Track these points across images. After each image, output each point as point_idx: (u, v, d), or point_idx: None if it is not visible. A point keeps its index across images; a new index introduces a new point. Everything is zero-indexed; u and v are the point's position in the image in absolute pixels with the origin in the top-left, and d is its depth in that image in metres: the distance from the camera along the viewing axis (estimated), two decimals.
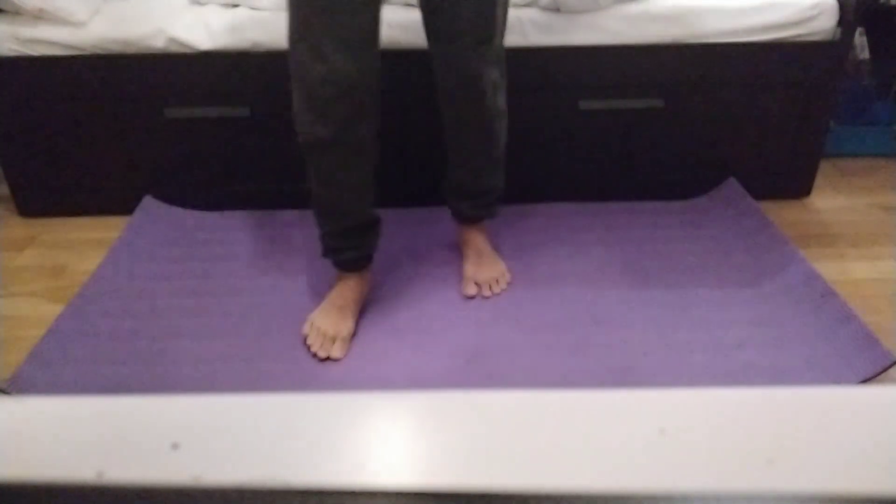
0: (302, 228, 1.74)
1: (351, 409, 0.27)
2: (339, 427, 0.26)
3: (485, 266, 1.51)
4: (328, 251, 1.40)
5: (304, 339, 1.35)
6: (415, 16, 1.67)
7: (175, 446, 0.26)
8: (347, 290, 1.40)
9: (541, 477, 0.24)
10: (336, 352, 1.33)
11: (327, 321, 1.36)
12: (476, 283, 1.48)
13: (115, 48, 1.66)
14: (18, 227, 1.82)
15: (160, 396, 0.28)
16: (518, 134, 1.80)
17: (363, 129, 1.27)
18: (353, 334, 1.38)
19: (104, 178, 1.81)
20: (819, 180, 1.92)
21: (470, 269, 1.51)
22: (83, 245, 1.72)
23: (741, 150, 1.84)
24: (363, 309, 1.44)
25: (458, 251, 1.65)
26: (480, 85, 1.31)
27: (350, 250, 1.39)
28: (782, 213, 1.82)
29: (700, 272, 1.56)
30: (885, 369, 1.19)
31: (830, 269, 1.57)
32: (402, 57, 1.68)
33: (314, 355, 1.32)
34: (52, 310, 1.44)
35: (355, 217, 1.38)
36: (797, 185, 1.91)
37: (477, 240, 1.54)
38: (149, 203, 1.81)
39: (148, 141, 1.77)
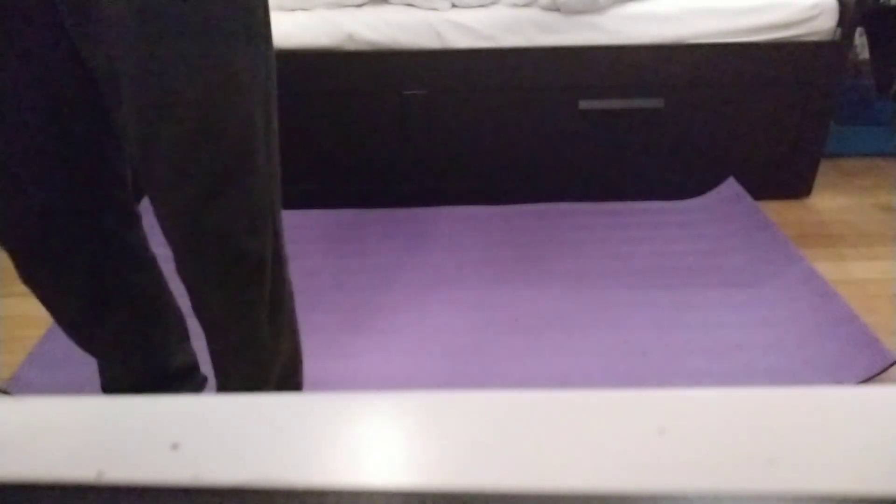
0: (303, 229, 1.74)
1: (351, 409, 0.27)
2: (339, 427, 0.26)
3: None
4: None
5: None
6: (416, 16, 1.67)
7: (175, 446, 0.26)
8: None
9: (540, 477, 0.24)
10: None
11: None
12: None
13: None
14: None
15: (160, 396, 0.28)
16: (518, 134, 1.80)
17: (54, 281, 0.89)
18: None
19: None
20: (819, 180, 1.92)
21: None
22: None
23: (741, 150, 1.84)
24: (364, 310, 1.44)
25: (458, 250, 1.65)
26: (216, 263, 0.82)
27: None
28: (782, 213, 1.82)
29: (700, 272, 1.56)
30: (885, 369, 1.19)
31: (830, 269, 1.57)
32: (402, 57, 1.68)
33: None
34: None
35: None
36: (797, 185, 1.91)
37: None
38: (148, 203, 1.81)
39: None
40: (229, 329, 0.88)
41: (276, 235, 0.87)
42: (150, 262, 0.99)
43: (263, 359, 0.92)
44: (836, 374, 1.23)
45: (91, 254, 0.89)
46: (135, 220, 0.94)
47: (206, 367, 1.19)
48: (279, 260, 0.89)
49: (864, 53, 2.03)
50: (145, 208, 0.90)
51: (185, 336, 1.08)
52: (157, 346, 1.01)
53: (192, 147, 0.73)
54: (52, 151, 0.79)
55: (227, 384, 0.96)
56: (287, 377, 0.99)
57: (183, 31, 0.68)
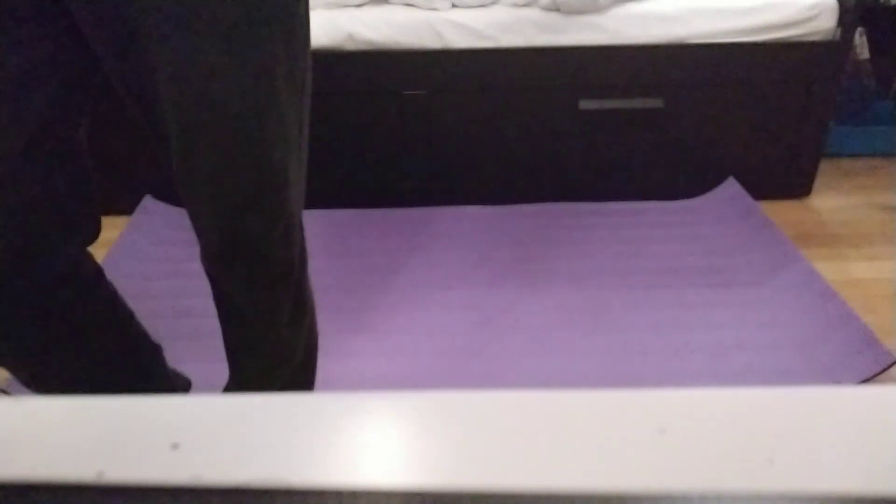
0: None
1: (351, 409, 0.27)
2: (339, 427, 0.26)
3: None
4: None
5: None
6: (416, 16, 1.67)
7: (175, 446, 0.26)
8: None
9: (540, 477, 0.24)
10: None
11: None
12: None
13: None
14: None
15: (160, 396, 0.28)
16: (518, 134, 1.80)
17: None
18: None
19: (105, 178, 1.81)
20: (819, 180, 1.92)
21: None
22: None
23: (741, 150, 1.84)
24: (363, 310, 1.44)
25: (457, 250, 1.65)
26: (253, 270, 0.82)
27: None
28: (782, 213, 1.82)
29: (700, 272, 1.56)
30: (885, 369, 1.19)
31: (830, 269, 1.57)
32: (402, 57, 1.68)
33: None
34: None
35: None
36: (797, 185, 1.91)
37: None
38: (149, 203, 1.81)
39: (148, 141, 1.76)
40: (251, 326, 0.89)
41: (302, 238, 0.87)
42: (126, 318, 0.91)
43: (280, 356, 0.93)
44: (836, 374, 1.23)
45: (56, 323, 0.79)
46: (100, 275, 0.86)
47: (203, 364, 1.19)
48: (303, 261, 0.89)
49: (864, 53, 2.03)
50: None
51: (161, 367, 1.03)
52: (138, 384, 0.95)
53: (232, 162, 0.73)
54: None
55: (241, 378, 0.97)
56: (301, 375, 0.99)
57: (226, 51, 0.67)
